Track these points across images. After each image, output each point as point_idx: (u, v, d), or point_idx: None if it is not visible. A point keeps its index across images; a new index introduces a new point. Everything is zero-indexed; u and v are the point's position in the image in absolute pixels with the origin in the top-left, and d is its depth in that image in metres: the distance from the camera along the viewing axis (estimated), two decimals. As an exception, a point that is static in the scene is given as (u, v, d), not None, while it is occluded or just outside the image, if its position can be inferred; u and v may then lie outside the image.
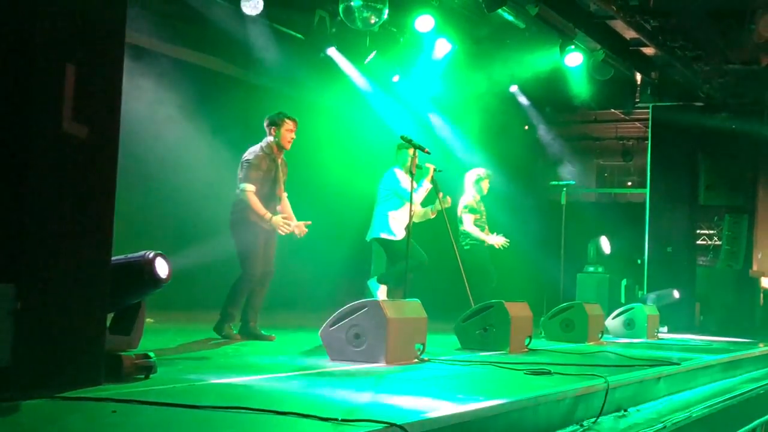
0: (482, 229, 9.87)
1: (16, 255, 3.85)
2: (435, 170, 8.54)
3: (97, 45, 4.30)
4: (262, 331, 7.40)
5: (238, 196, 7.35)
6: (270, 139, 7.45)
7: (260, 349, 6.79)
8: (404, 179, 8.46)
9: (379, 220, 8.72)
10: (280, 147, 7.46)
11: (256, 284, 7.39)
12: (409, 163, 8.05)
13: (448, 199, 8.83)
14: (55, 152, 4.01)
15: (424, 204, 8.89)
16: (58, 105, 4.01)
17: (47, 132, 3.98)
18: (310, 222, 7.63)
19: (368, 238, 8.92)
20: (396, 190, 8.59)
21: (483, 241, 9.84)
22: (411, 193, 7.68)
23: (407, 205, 8.03)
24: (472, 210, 9.89)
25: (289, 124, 7.44)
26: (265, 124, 7.53)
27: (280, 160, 7.51)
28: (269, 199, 7.43)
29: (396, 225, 8.60)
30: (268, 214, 7.26)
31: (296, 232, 7.56)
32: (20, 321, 3.76)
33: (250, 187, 7.28)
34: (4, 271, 3.79)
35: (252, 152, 7.40)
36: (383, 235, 8.66)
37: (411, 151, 7.93)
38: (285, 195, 7.62)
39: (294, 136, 7.50)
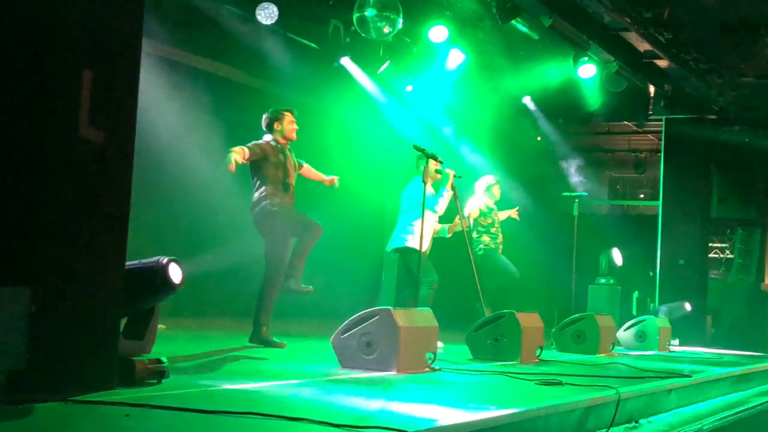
0: (494, 237, 9.91)
1: (32, 258, 3.88)
2: (455, 176, 8.50)
3: (114, 51, 4.33)
4: (274, 338, 7.40)
5: (254, 196, 7.44)
6: (275, 135, 7.58)
7: (271, 356, 6.79)
8: (429, 189, 8.35)
9: (402, 230, 8.57)
10: (287, 139, 7.63)
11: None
12: (427, 173, 7.86)
13: (465, 222, 8.79)
14: (71, 157, 4.04)
15: (441, 219, 8.83)
16: (75, 110, 4.04)
17: (64, 136, 4.01)
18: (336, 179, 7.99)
19: (389, 249, 8.82)
20: (421, 200, 8.47)
21: (496, 246, 9.90)
22: (424, 200, 7.66)
23: (431, 215, 8.02)
24: (480, 214, 9.93)
25: (289, 116, 7.65)
26: (264, 124, 7.67)
27: (288, 151, 7.66)
28: (283, 188, 7.52)
29: (419, 235, 8.46)
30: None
31: (326, 182, 7.96)
32: (35, 324, 3.78)
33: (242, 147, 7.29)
34: (19, 274, 3.82)
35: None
36: (407, 244, 8.44)
37: (433, 162, 7.85)
38: (307, 165, 7.89)
39: (296, 126, 7.67)
